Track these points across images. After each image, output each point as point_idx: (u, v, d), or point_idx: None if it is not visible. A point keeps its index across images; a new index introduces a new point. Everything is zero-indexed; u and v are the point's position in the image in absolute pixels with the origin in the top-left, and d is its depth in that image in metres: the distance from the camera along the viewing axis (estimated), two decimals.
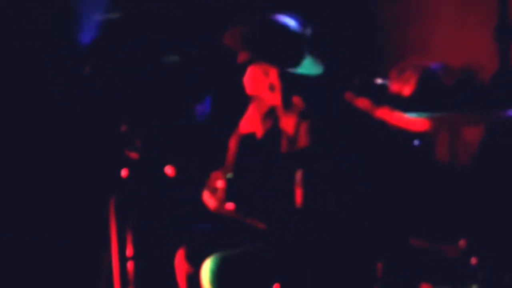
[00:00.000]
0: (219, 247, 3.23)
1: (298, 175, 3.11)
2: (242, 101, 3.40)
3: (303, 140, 3.16)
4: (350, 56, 4.73)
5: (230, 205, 3.19)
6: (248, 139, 3.36)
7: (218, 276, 3.09)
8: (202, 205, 3.34)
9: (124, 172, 3.42)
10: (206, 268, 3.12)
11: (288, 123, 3.23)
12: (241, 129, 3.40)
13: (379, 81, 3.83)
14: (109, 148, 3.52)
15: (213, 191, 3.25)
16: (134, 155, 3.38)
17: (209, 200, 3.27)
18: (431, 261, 3.82)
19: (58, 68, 4.27)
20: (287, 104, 3.25)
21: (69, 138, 4.28)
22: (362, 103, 3.72)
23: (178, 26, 4.51)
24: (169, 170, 3.35)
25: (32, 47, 4.25)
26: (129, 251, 3.49)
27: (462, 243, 3.80)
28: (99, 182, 3.76)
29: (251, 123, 3.38)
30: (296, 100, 3.23)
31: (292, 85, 3.23)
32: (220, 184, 3.20)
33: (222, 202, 3.21)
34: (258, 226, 3.26)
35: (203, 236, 3.40)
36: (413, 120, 3.62)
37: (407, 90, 3.79)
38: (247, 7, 3.52)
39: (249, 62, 3.23)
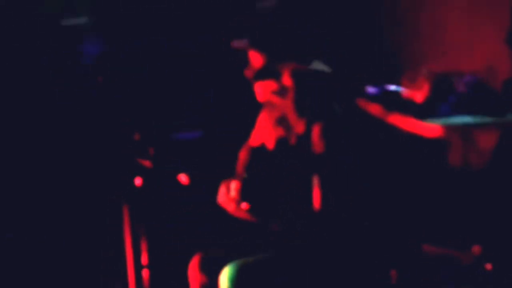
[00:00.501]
0: (234, 255, 3.22)
1: (316, 179, 3.10)
2: (253, 108, 3.40)
3: (317, 144, 3.14)
4: (362, 63, 4.73)
5: (244, 205, 3.17)
6: (259, 149, 3.35)
7: (237, 285, 3.08)
8: (216, 212, 3.34)
9: (137, 181, 3.42)
10: (225, 277, 3.11)
11: (300, 127, 3.21)
12: (252, 141, 3.39)
13: (392, 87, 3.83)
14: (122, 156, 3.52)
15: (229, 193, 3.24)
16: (147, 163, 3.38)
17: (226, 202, 3.25)
18: (445, 268, 3.81)
19: (72, 76, 4.27)
20: (299, 108, 3.23)
21: (84, 147, 4.29)
22: (375, 109, 3.72)
23: (188, 30, 4.52)
24: (183, 178, 3.35)
25: (47, 54, 4.28)
26: (144, 259, 3.49)
27: (476, 249, 3.79)
28: (113, 191, 3.76)
29: (262, 133, 3.37)
30: (309, 103, 3.21)
31: (304, 88, 3.21)
32: (234, 185, 3.19)
33: (237, 203, 3.19)
34: (273, 229, 3.25)
35: (217, 244, 3.39)
36: (426, 126, 3.62)
37: (419, 96, 3.79)
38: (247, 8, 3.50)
39: (259, 68, 3.22)
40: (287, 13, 3.24)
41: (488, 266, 3.68)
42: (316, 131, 3.15)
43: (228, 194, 3.21)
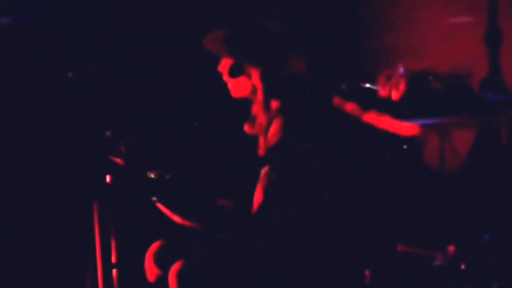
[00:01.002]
0: (189, 250, 3.22)
1: (263, 172, 3.10)
2: (230, 104, 3.38)
3: (273, 137, 3.15)
4: (338, 61, 4.71)
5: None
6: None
7: (185, 282, 3.08)
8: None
9: (108, 178, 3.40)
10: (174, 273, 3.10)
11: (264, 122, 3.22)
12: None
13: (367, 85, 3.81)
14: (94, 153, 3.49)
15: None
16: (118, 160, 3.35)
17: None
18: (419, 268, 3.80)
19: (43, 72, 4.24)
20: (267, 107, 3.23)
21: (53, 143, 4.26)
22: (350, 107, 3.69)
23: (163, 28, 4.50)
24: (152, 174, 3.32)
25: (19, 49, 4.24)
26: (113, 258, 3.47)
27: (450, 249, 3.79)
28: (83, 188, 3.73)
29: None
30: (276, 103, 3.22)
31: (274, 88, 3.21)
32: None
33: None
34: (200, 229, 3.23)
35: (175, 239, 3.38)
36: (402, 125, 3.60)
37: (395, 95, 3.77)
38: (235, 10, 3.50)
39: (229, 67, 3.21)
40: (257, 12, 3.22)
41: (463, 266, 3.68)
42: (276, 123, 3.15)
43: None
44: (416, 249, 3.90)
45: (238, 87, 3.24)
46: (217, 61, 3.29)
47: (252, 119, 3.30)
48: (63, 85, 3.90)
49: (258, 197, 3.10)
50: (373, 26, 4.86)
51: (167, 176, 3.21)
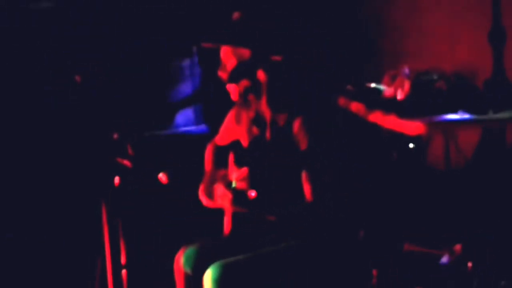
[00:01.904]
0: (220, 252, 3.21)
1: (304, 173, 3.11)
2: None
3: (300, 138, 3.15)
4: (344, 61, 4.72)
5: (252, 193, 3.15)
6: (234, 148, 3.34)
7: (221, 285, 3.06)
8: (195, 211, 3.32)
9: (116, 180, 3.40)
10: (208, 277, 3.08)
11: (279, 122, 3.22)
12: (218, 140, 3.40)
13: (372, 85, 3.82)
14: (101, 155, 3.50)
15: (228, 185, 3.20)
16: (126, 162, 3.36)
17: (222, 196, 3.21)
18: (426, 267, 3.81)
19: (49, 75, 4.25)
20: (274, 105, 3.23)
21: (61, 145, 4.26)
22: (356, 107, 3.71)
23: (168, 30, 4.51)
24: (162, 177, 3.33)
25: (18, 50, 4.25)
26: (123, 259, 3.48)
27: (457, 248, 3.79)
28: (92, 190, 3.74)
29: (229, 132, 3.38)
30: (283, 101, 3.22)
31: (279, 84, 3.21)
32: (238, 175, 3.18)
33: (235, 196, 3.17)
34: (267, 219, 3.21)
35: (202, 239, 3.37)
36: (407, 124, 3.61)
37: (400, 94, 3.78)
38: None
39: (233, 68, 3.21)
40: (263, 10, 3.23)
41: (469, 265, 3.68)
42: (296, 125, 3.16)
43: (225, 188, 3.18)
44: (423, 248, 3.90)
45: (239, 89, 3.23)
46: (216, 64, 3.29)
47: (256, 122, 3.30)
48: (71, 89, 3.91)
49: (308, 195, 3.12)
50: (378, 27, 4.87)
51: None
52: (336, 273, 3.21)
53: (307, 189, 3.12)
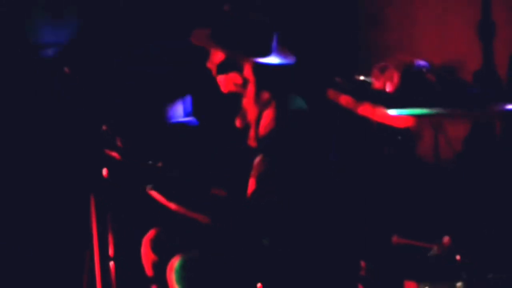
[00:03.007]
0: (185, 239, 3.23)
1: (255, 161, 3.11)
2: (224, 100, 3.39)
3: (265, 128, 3.16)
4: (332, 54, 4.72)
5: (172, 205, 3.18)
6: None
7: (184, 277, 3.09)
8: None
9: (105, 172, 3.40)
10: (172, 268, 3.13)
11: (254, 114, 3.23)
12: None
13: (361, 78, 3.82)
14: (90, 147, 3.49)
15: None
16: (115, 154, 3.35)
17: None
18: (414, 259, 3.81)
19: (38, 68, 4.24)
20: (258, 100, 3.24)
21: (49, 137, 4.26)
22: (345, 100, 3.70)
23: (154, 26, 4.50)
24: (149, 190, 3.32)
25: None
26: (111, 251, 3.47)
27: (446, 240, 3.79)
28: (80, 182, 3.73)
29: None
30: (266, 95, 3.22)
31: (266, 79, 3.21)
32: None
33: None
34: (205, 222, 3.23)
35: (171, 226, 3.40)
36: (396, 117, 3.60)
37: (389, 86, 3.78)
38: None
39: (221, 62, 3.21)
40: (251, 5, 3.23)
41: (458, 258, 3.68)
42: (267, 116, 3.16)
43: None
44: (411, 240, 3.90)
45: (228, 81, 3.24)
46: (205, 56, 3.29)
47: (242, 113, 3.30)
48: (59, 80, 3.90)
49: (251, 185, 3.11)
50: (367, 20, 4.87)
51: (159, 164, 3.22)
52: (322, 266, 3.22)
53: (251, 184, 3.12)
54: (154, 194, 3.18)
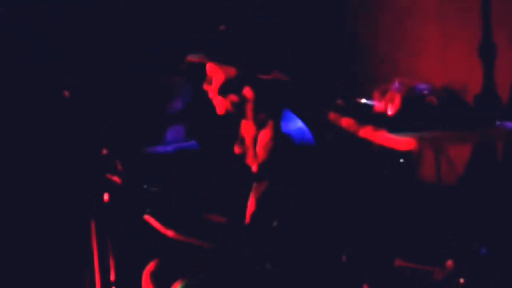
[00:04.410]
0: (188, 270, 3.22)
1: (254, 185, 3.09)
2: (222, 122, 3.38)
3: (263, 151, 3.14)
4: (334, 77, 4.72)
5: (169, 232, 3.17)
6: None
7: None
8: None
9: (105, 196, 3.38)
10: None
11: (252, 136, 3.21)
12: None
13: (363, 101, 3.82)
14: (90, 171, 3.48)
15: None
16: (115, 178, 3.34)
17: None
18: (417, 282, 3.80)
19: (38, 91, 4.24)
20: (257, 121, 3.22)
21: (50, 161, 4.25)
22: (346, 122, 3.70)
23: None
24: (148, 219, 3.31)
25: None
26: (112, 276, 3.46)
27: (449, 263, 3.78)
28: (81, 206, 3.72)
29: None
30: (263, 115, 3.20)
31: (265, 100, 3.20)
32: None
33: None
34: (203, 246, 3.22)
35: (171, 257, 3.38)
36: (398, 140, 3.60)
37: (391, 109, 3.77)
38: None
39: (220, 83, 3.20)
40: (250, 25, 3.21)
41: (461, 281, 3.66)
42: (264, 138, 3.14)
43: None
44: (414, 264, 3.89)
45: (226, 103, 3.21)
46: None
47: (240, 137, 3.28)
48: (59, 104, 3.90)
49: (251, 208, 3.09)
50: (368, 42, 4.87)
51: (155, 189, 3.20)
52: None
53: (251, 204, 3.11)
54: (151, 220, 3.16)
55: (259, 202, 3.07)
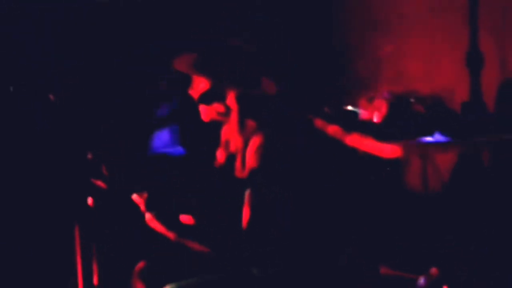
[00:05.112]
0: (177, 272, 3.21)
1: (247, 195, 3.08)
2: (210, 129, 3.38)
3: (252, 158, 3.13)
4: (321, 84, 4.72)
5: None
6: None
7: None
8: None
9: (90, 201, 3.38)
10: None
11: (238, 143, 3.21)
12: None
13: (349, 108, 3.82)
14: (75, 176, 3.47)
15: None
16: (100, 183, 3.33)
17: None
18: None
19: (24, 95, 4.23)
20: (242, 128, 3.22)
21: (34, 165, 4.24)
22: (333, 129, 3.70)
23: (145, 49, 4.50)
24: (136, 198, 3.30)
25: None
26: (95, 280, 3.45)
27: (433, 271, 3.79)
28: (65, 211, 3.71)
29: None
30: (251, 124, 3.20)
31: (249, 108, 3.20)
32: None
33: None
34: (200, 250, 3.21)
35: (162, 259, 3.38)
36: (384, 147, 3.60)
37: (377, 117, 3.78)
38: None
39: (204, 91, 3.20)
40: (234, 34, 3.22)
41: None
42: (253, 145, 3.14)
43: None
44: (399, 271, 3.89)
45: (210, 110, 3.22)
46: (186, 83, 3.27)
47: (224, 144, 3.28)
48: (45, 107, 3.89)
49: (246, 216, 3.09)
50: (356, 51, 4.87)
51: (144, 195, 3.20)
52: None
53: (246, 212, 3.11)
54: (153, 222, 3.15)
55: (253, 209, 3.07)
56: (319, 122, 3.70)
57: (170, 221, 3.19)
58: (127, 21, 4.50)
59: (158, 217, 3.17)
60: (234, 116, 3.19)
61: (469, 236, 3.96)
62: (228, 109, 3.20)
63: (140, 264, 3.39)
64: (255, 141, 3.15)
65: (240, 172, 3.19)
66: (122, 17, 4.49)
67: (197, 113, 3.25)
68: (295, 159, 3.13)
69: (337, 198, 3.40)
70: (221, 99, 3.18)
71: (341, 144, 3.73)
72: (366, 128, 3.74)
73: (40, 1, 4.35)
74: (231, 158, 3.29)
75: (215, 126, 3.31)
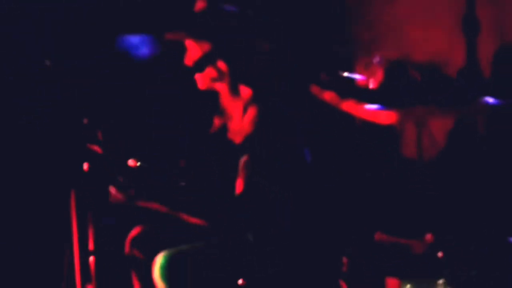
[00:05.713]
0: (172, 239, 3.23)
1: (241, 162, 3.09)
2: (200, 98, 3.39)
3: (249, 125, 3.14)
4: (316, 50, 4.71)
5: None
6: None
7: (169, 273, 3.08)
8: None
9: (85, 166, 3.37)
10: (157, 264, 3.13)
11: (234, 111, 3.22)
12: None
13: (345, 74, 3.82)
14: (71, 141, 3.47)
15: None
16: (96, 148, 3.33)
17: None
18: (397, 256, 3.81)
19: (17, 61, 4.23)
20: (238, 94, 3.23)
21: (29, 131, 4.24)
22: (329, 96, 3.70)
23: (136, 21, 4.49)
24: (132, 163, 3.31)
25: None
26: (91, 245, 3.45)
27: (428, 237, 3.80)
28: (60, 176, 3.71)
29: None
30: (247, 91, 3.21)
31: (243, 74, 3.20)
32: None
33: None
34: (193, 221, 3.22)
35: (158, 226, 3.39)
36: (380, 113, 3.60)
37: (373, 83, 3.78)
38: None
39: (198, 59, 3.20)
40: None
41: (440, 255, 3.68)
42: (249, 114, 3.15)
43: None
44: (394, 237, 3.90)
45: (205, 77, 3.23)
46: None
47: (220, 111, 3.30)
48: (40, 75, 3.88)
49: (240, 185, 3.10)
50: (352, 16, 4.85)
51: (140, 164, 3.20)
52: (303, 261, 3.22)
53: (240, 182, 3.11)
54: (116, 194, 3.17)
55: (247, 179, 3.08)
56: (315, 88, 3.71)
57: (164, 193, 3.21)
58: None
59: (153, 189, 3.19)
60: (226, 81, 3.20)
61: (464, 202, 3.97)
62: (222, 74, 3.21)
63: (135, 231, 3.41)
64: (252, 110, 3.16)
65: (235, 135, 3.20)
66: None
67: (193, 81, 3.27)
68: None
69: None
70: (213, 64, 3.20)
71: (337, 110, 3.73)
72: (362, 94, 3.74)
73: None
74: (226, 127, 3.30)
75: (212, 94, 3.32)
